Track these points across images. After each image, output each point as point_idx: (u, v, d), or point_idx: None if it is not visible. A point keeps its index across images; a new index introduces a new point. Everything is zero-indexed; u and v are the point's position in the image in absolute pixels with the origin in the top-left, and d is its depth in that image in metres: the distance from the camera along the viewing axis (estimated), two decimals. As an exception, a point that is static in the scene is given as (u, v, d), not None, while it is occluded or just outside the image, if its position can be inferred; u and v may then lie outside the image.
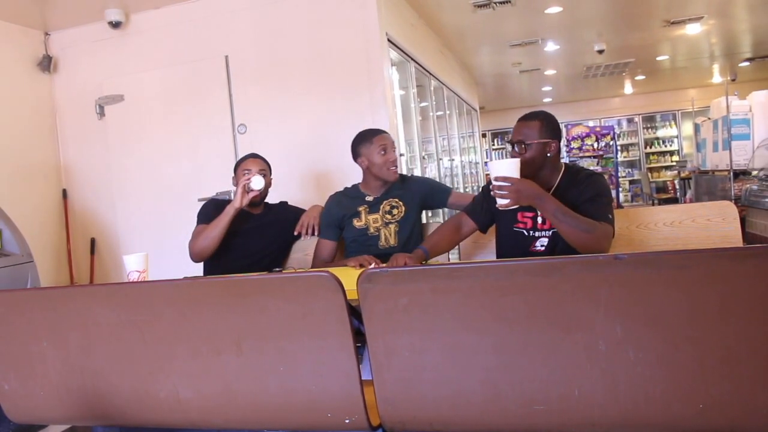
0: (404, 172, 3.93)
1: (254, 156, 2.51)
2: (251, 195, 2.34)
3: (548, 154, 1.88)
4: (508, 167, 1.74)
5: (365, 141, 2.31)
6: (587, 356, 1.03)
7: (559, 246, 1.90)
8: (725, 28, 6.74)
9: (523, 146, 1.88)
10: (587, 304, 1.01)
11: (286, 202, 2.65)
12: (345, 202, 2.37)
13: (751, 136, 5.52)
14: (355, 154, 2.34)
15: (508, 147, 1.97)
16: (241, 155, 2.81)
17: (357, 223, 2.32)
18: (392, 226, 2.31)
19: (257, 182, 2.32)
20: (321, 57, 3.74)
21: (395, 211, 2.32)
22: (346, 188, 2.45)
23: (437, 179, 5.37)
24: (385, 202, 2.33)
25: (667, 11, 5.74)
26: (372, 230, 2.31)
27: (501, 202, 1.77)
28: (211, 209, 2.42)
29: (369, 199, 2.34)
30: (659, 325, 0.99)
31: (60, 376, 1.36)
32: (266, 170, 2.46)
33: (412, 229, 2.33)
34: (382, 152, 2.27)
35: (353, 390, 1.18)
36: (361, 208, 2.33)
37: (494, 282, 1.07)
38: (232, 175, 2.49)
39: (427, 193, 2.39)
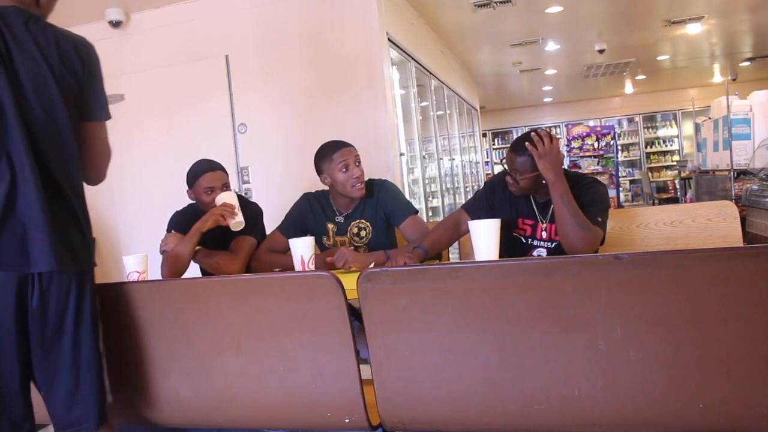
0: (398, 171, 3.91)
1: (213, 168, 2.13)
2: (220, 223, 2.03)
3: (543, 182, 1.85)
4: (487, 227, 1.71)
5: (325, 158, 2.10)
6: (587, 356, 1.03)
7: None
8: (726, 28, 6.74)
9: (515, 178, 1.87)
10: (587, 303, 1.01)
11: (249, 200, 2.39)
12: (316, 210, 2.20)
13: (751, 136, 5.51)
14: (318, 170, 2.13)
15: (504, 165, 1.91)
16: (241, 155, 2.71)
17: (326, 242, 2.19)
18: (361, 250, 2.14)
19: (237, 225, 2.04)
20: (321, 56, 3.74)
21: (363, 233, 2.15)
22: (318, 192, 2.24)
23: (437, 179, 5.37)
24: (353, 223, 2.15)
25: (668, 11, 5.74)
26: None
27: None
28: (180, 221, 2.19)
29: (339, 219, 2.17)
30: (659, 325, 0.99)
31: (60, 375, 1.35)
32: (228, 182, 2.15)
33: (382, 247, 2.12)
34: (344, 169, 2.06)
35: (353, 389, 1.18)
36: (330, 225, 2.18)
37: (494, 281, 1.07)
38: (187, 188, 2.15)
39: (390, 214, 2.15)
